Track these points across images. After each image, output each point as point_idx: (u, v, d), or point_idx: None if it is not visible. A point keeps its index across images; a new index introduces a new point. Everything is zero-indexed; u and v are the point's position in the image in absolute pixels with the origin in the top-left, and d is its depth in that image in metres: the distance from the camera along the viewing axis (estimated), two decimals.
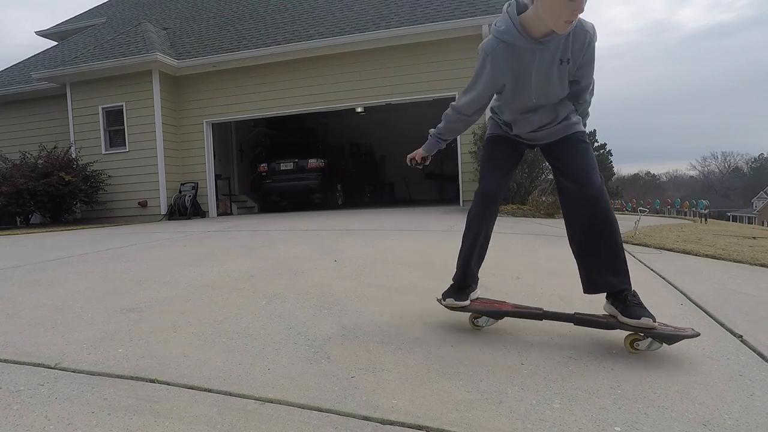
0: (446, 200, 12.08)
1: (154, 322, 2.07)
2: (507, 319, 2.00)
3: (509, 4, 1.63)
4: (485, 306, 1.91)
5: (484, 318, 1.88)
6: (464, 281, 1.91)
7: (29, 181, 8.63)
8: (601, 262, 1.71)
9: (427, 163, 2.07)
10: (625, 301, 1.64)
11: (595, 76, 1.76)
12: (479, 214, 1.87)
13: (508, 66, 1.67)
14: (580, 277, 1.79)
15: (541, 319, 1.77)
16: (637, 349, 1.60)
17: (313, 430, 1.18)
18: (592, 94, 1.82)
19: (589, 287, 1.76)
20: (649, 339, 1.59)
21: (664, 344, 1.58)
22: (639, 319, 1.56)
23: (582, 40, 1.59)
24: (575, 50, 1.60)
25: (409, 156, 2.04)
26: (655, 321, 1.56)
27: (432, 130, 1.98)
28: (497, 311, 1.86)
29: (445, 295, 1.89)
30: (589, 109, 1.85)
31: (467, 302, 1.87)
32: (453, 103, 1.89)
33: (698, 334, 1.56)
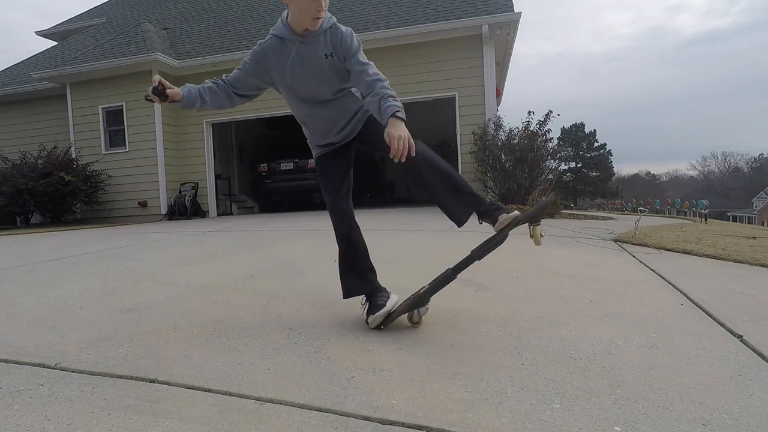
0: None
1: (154, 322, 2.07)
2: (505, 318, 2.00)
3: (285, 13, 1.87)
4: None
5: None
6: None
7: (29, 181, 8.63)
8: (448, 192, 1.86)
9: (163, 99, 1.80)
10: (487, 212, 1.83)
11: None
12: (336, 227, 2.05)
13: (273, 54, 1.87)
14: (449, 217, 1.91)
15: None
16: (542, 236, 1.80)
17: (313, 430, 1.18)
18: (373, 75, 1.83)
19: (457, 218, 1.88)
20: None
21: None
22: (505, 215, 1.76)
23: (335, 36, 1.83)
24: (334, 45, 1.84)
25: (157, 78, 1.79)
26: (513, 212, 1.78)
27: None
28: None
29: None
30: (385, 84, 1.82)
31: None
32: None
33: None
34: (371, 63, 1.83)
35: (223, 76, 1.95)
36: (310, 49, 1.84)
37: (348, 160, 2.06)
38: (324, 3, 1.75)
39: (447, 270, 1.82)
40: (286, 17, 1.85)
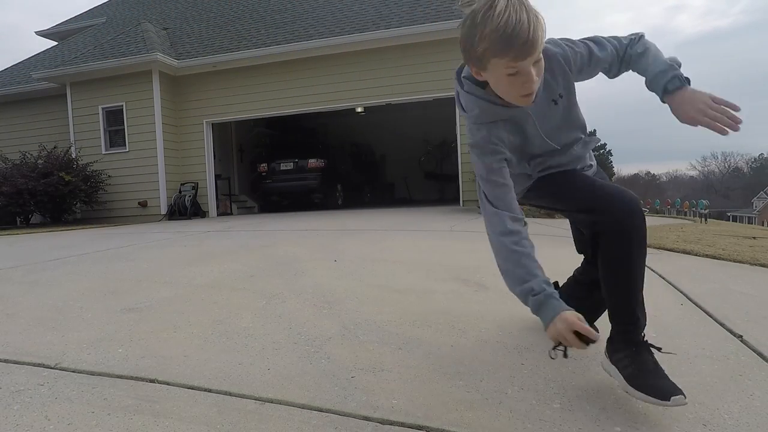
0: (446, 200, 12.08)
1: (154, 322, 2.07)
2: (505, 318, 2.00)
3: (464, 85, 1.35)
4: None
5: None
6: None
7: (29, 181, 8.64)
8: None
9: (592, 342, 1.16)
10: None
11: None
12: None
13: (496, 130, 1.34)
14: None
15: None
16: None
17: (313, 430, 1.18)
18: (616, 41, 1.40)
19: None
20: None
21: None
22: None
23: (561, 70, 1.35)
24: (561, 84, 1.36)
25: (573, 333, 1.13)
26: None
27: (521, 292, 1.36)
28: None
29: None
30: (644, 44, 1.40)
31: None
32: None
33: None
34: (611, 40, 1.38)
35: (504, 220, 1.31)
36: (537, 104, 1.32)
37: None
38: (533, 75, 1.15)
39: None
40: (480, 87, 1.31)
